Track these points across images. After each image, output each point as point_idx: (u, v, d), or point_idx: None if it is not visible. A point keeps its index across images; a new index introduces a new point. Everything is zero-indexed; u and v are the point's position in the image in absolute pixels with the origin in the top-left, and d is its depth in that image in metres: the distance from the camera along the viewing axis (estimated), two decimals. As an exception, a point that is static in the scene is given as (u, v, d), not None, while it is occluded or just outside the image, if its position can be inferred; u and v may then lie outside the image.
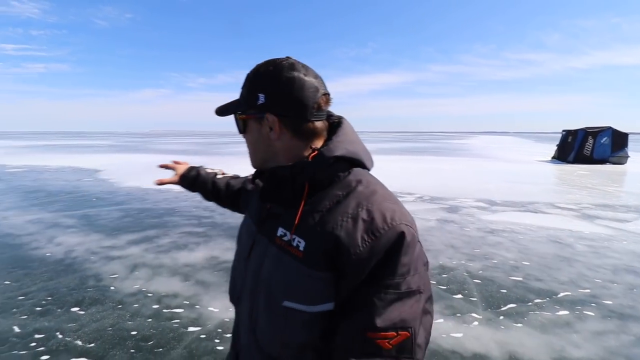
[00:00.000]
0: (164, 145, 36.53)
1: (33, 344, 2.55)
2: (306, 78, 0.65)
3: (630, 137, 17.94)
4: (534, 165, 16.98)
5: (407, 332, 0.51)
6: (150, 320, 2.88)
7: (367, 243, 0.55)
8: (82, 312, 3.00)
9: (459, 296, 3.37)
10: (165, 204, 7.44)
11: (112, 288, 3.46)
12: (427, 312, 0.55)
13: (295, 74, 0.65)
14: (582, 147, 17.99)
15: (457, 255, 4.45)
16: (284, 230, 0.64)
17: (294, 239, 0.62)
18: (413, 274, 0.55)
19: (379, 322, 0.51)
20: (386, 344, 0.50)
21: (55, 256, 4.32)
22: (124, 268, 3.96)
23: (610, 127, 17.75)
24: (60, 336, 2.65)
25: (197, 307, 3.11)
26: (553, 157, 20.43)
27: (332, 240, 0.57)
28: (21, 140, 46.36)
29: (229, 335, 2.69)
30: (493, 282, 3.69)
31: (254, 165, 0.75)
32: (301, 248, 0.60)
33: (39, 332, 2.71)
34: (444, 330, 2.78)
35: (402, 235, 0.56)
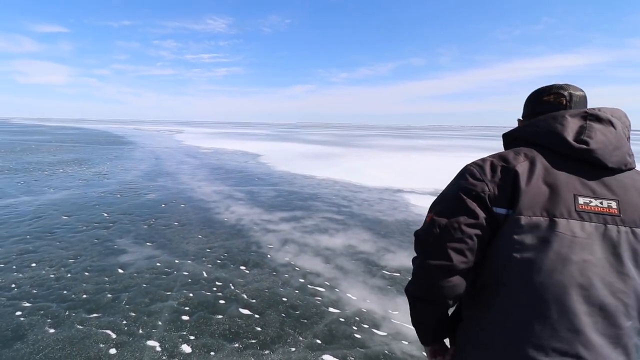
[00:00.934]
0: (308, 136, 40.53)
1: (214, 289, 3.22)
2: (542, 88, 0.94)
3: None
4: None
5: (431, 213, 0.87)
6: (297, 292, 3.20)
7: None
8: (247, 271, 3.60)
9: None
10: (309, 189, 8.20)
11: (268, 256, 4.03)
12: (448, 209, 0.83)
13: (540, 87, 0.96)
14: None
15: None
16: None
17: None
18: (448, 188, 0.89)
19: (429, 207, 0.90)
20: (427, 218, 0.87)
21: (230, 222, 5.36)
22: (277, 240, 4.55)
23: None
24: (232, 287, 3.25)
25: (337, 290, 3.26)
26: None
27: None
28: (210, 128, 60.15)
29: (366, 325, 2.70)
30: None
31: None
32: None
33: (218, 280, 3.40)
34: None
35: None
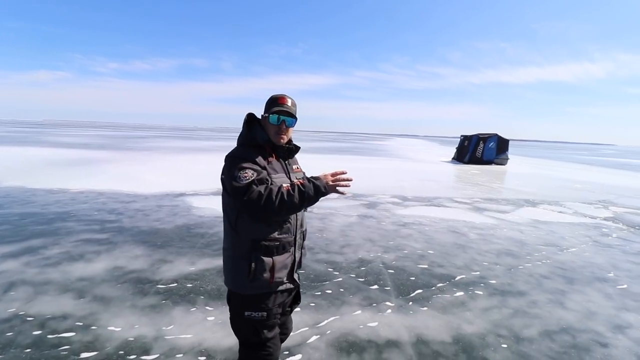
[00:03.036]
0: (61, 137, 31.33)
1: None
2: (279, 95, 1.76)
3: (511, 143, 21.77)
4: (438, 165, 19.25)
5: None
6: (28, 350, 2.40)
7: None
8: None
9: (375, 287, 3.59)
10: (57, 207, 6.34)
11: (-26, 316, 2.79)
12: None
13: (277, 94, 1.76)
14: (475, 150, 21.11)
15: (374, 248, 4.75)
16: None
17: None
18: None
19: None
20: None
21: None
22: (-7, 289, 3.24)
23: (497, 134, 21.17)
24: None
25: (93, 327, 2.70)
26: (453, 158, 23.51)
27: None
28: None
29: (133, 356, 2.39)
30: (404, 270, 4.02)
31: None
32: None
33: None
34: (361, 321, 2.92)
35: None
